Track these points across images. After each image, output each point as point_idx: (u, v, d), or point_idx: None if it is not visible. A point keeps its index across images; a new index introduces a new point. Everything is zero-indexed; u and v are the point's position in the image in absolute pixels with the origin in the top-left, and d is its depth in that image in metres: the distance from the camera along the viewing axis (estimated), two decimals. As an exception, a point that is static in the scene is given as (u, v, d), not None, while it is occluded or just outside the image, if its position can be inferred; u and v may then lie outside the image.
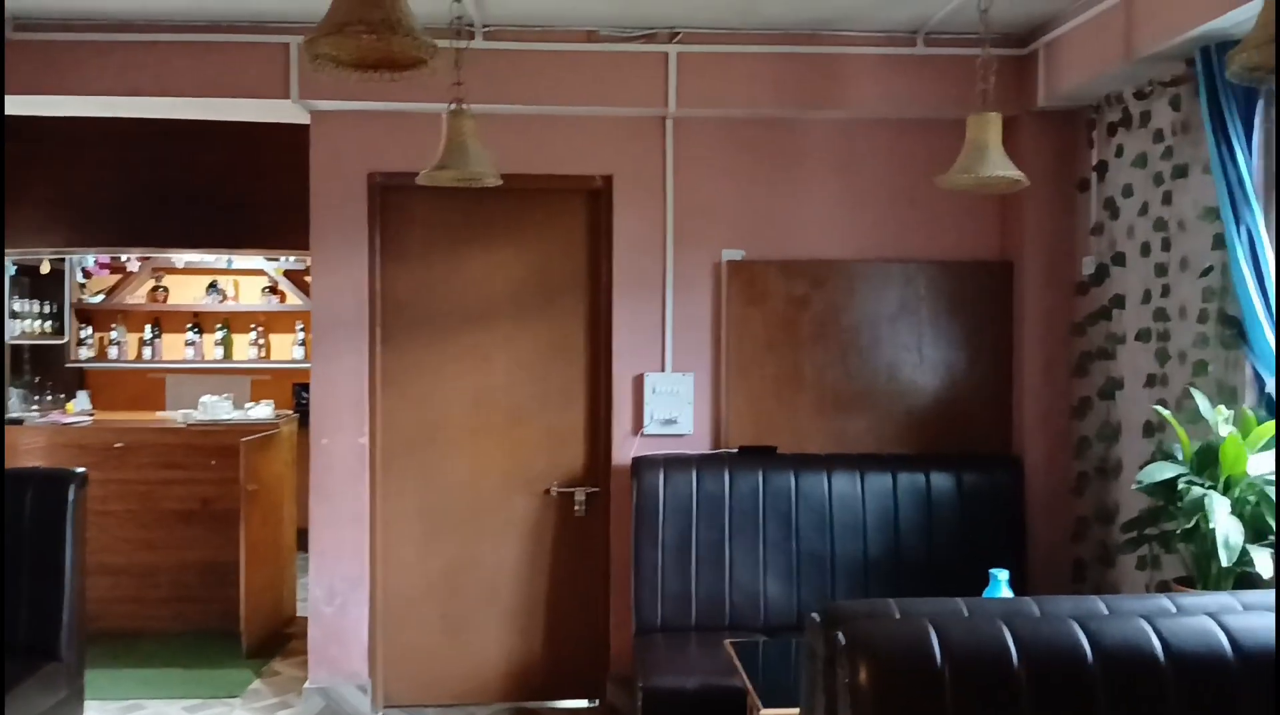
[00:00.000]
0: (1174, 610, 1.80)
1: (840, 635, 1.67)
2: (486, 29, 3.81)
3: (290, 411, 5.89)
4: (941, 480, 3.94)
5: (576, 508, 4.08)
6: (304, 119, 4.03)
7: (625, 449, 4.04)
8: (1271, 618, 1.73)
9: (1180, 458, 2.98)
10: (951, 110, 3.89)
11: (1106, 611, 1.79)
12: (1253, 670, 1.66)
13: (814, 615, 1.79)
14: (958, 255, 4.12)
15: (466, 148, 3.07)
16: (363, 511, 4.01)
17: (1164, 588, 3.36)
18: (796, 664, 3.08)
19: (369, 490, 4.02)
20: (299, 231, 4.10)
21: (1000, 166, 3.32)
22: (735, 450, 4.02)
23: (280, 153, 4.66)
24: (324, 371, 3.99)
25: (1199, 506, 2.77)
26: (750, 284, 4.05)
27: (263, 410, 5.46)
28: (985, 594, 2.96)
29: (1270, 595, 1.88)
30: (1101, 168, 3.85)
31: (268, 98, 3.85)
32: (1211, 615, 1.75)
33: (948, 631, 1.67)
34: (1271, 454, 2.82)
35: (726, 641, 3.13)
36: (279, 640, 5.06)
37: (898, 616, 1.76)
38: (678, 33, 3.88)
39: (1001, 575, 2.96)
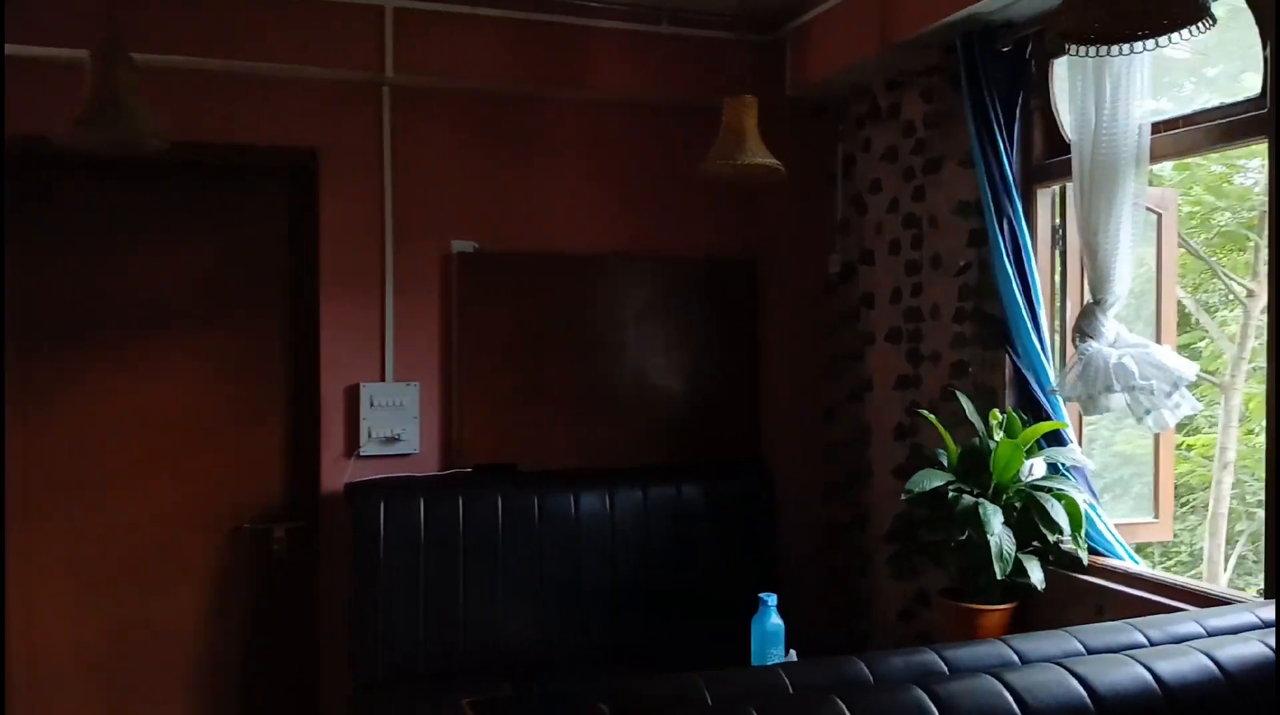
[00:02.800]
0: (1018, 661, 1.53)
1: (643, 740, 1.24)
2: (153, -41, 3.06)
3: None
4: (693, 491, 3.64)
5: (276, 546, 3.40)
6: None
7: (337, 474, 3.41)
8: (1126, 662, 1.48)
9: (946, 464, 2.83)
10: (698, 96, 3.60)
11: (947, 670, 1.49)
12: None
13: (602, 706, 1.35)
14: (704, 252, 3.83)
15: (120, 101, 2.36)
16: (-12, 568, 3.12)
17: (925, 599, 3.23)
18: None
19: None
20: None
21: (758, 153, 3.07)
22: (470, 470, 3.51)
23: None
24: (-72, 389, 3.07)
25: (970, 516, 2.61)
26: (485, 280, 3.55)
27: None
28: (754, 620, 2.70)
29: (1107, 631, 1.66)
30: (849, 162, 3.71)
31: None
32: (1060, 664, 1.48)
33: (778, 721, 1.29)
34: (1040, 459, 2.72)
35: (464, 701, 2.63)
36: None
37: (710, 702, 1.36)
38: (395, -17, 3.32)
39: (770, 600, 2.70)
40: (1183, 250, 5.79)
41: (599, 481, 3.54)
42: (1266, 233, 2.23)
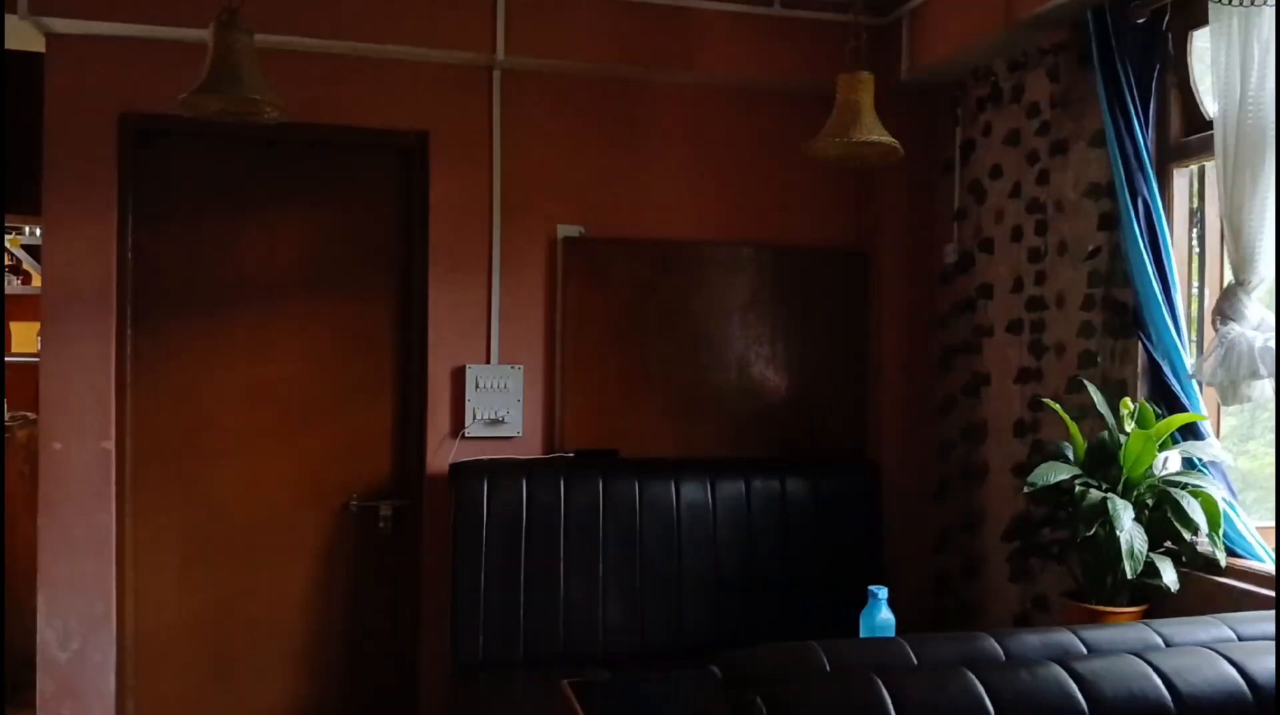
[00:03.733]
0: (1163, 645, 1.41)
1: (760, 702, 1.17)
2: (276, -57, 3.14)
3: (31, 413, 4.91)
4: (797, 486, 3.54)
5: (381, 524, 3.43)
6: (39, 45, 3.23)
7: (442, 454, 3.43)
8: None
9: (1071, 458, 2.68)
10: (809, 81, 3.53)
11: (1085, 650, 1.38)
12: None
13: (713, 669, 1.29)
14: (813, 241, 3.75)
15: (240, 70, 2.41)
16: (107, 533, 3.22)
17: (1043, 603, 3.07)
18: (651, 706, 2.60)
19: (115, 507, 3.22)
20: (38, 194, 3.27)
21: (873, 131, 2.95)
22: (571, 454, 3.48)
23: (16, 91, 3.78)
24: (57, 358, 3.18)
25: (1099, 511, 2.45)
26: (590, 265, 3.53)
27: (-9, 411, 4.49)
28: (864, 614, 2.58)
29: (1262, 620, 1.52)
30: (967, 147, 3.57)
31: (-13, 12, 3.03)
32: (1212, 648, 1.36)
33: (904, 690, 1.20)
34: (1175, 453, 2.55)
35: (565, 683, 2.60)
36: (11, 689, 4.14)
37: (829, 669, 1.28)
38: (508, -35, 3.33)
39: (881, 593, 2.58)
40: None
41: (701, 471, 3.47)
42: None
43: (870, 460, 3.72)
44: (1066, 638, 1.40)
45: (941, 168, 3.69)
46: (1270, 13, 2.22)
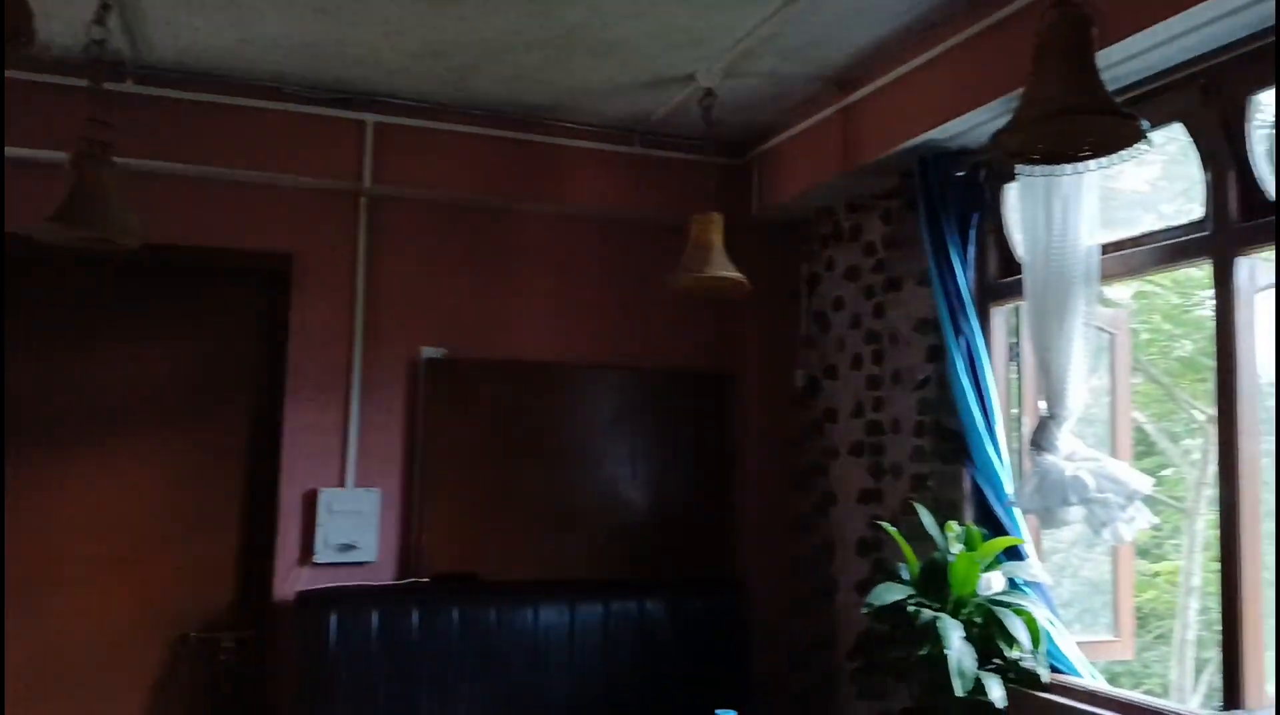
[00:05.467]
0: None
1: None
2: (142, 71, 3.16)
3: None
4: (656, 607, 3.57)
5: (223, 656, 3.29)
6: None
7: (290, 582, 3.33)
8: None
9: (907, 577, 2.81)
10: (668, 214, 3.73)
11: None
12: None
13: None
14: (674, 364, 3.89)
15: (98, 199, 2.41)
16: (-77, 672, 3.00)
17: (889, 720, 3.15)
18: None
19: (-59, 642, 3.03)
20: None
21: (723, 267, 3.15)
22: (427, 580, 3.44)
23: None
24: (-122, 484, 3.01)
25: (930, 631, 2.58)
26: (452, 386, 3.57)
27: None
28: (713, 740, 2.62)
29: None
30: (813, 280, 3.80)
31: None
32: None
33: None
34: (999, 573, 2.71)
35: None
36: None
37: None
38: (377, 100, 3.44)
39: (729, 716, 2.63)
40: (1144, 377, 5.91)
41: (560, 595, 3.47)
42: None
43: (734, 578, 3.79)
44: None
45: (791, 297, 3.90)
46: (1070, 175, 2.48)
